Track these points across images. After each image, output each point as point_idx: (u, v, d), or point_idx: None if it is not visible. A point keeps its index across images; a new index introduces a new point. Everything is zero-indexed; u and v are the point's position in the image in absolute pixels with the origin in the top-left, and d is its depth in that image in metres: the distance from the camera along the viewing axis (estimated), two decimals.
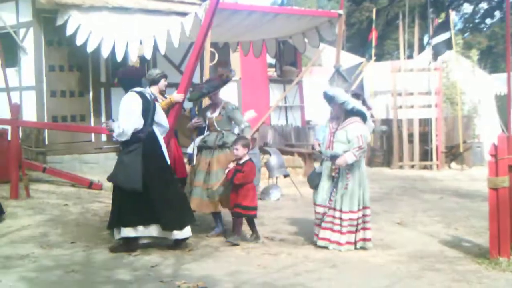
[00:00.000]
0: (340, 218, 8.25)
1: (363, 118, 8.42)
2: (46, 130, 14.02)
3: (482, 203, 11.09)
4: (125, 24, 13.68)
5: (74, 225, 9.43)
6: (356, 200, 8.29)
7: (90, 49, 12.96)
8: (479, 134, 20.70)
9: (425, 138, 19.01)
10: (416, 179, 16.23)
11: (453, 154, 19.05)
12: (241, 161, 8.60)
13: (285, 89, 19.76)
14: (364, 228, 8.43)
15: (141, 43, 12.28)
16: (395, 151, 19.18)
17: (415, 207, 11.87)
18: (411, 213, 11.14)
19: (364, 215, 8.42)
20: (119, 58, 12.46)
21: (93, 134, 14.86)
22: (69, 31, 13.26)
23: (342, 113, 8.48)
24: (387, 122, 19.78)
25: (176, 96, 9.77)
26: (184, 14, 13.44)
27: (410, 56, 22.33)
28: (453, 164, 19.14)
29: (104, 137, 14.95)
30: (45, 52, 14.18)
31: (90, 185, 12.62)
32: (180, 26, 11.52)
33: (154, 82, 10.06)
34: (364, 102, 16.86)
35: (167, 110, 9.93)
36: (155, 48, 12.10)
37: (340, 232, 8.25)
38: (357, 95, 16.96)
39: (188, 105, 11.35)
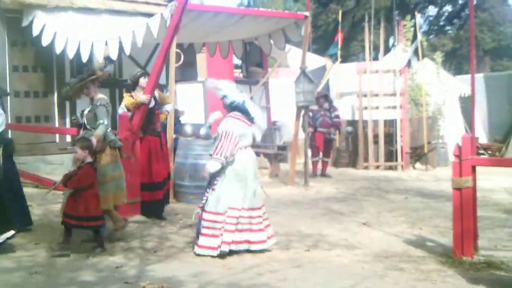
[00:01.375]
0: (204, 219, 7.94)
1: (249, 116, 8.14)
2: (9, 131, 13.86)
3: (446, 203, 11.20)
4: (90, 25, 13.60)
5: (38, 226, 9.33)
6: (226, 202, 7.90)
7: (58, 50, 12.87)
8: (443, 135, 20.88)
9: (390, 139, 19.12)
10: (381, 179, 16.31)
11: (418, 154, 19.17)
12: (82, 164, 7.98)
13: (251, 90, 19.76)
14: (250, 230, 8.02)
15: (106, 44, 12.21)
16: (360, 152, 19.26)
17: (380, 207, 11.93)
18: (376, 214, 11.19)
19: (250, 217, 8.03)
20: (84, 58, 12.39)
21: (57, 135, 14.73)
22: (35, 32, 13.16)
23: (225, 108, 8.28)
24: (352, 123, 19.86)
25: (141, 97, 9.76)
26: (149, 15, 13.40)
27: (375, 58, 22.44)
28: (417, 165, 19.27)
29: (68, 138, 14.83)
30: (9, 52, 14.02)
31: (54, 186, 12.49)
32: (146, 27, 11.50)
33: (135, 83, 10.08)
34: (330, 103, 17.04)
35: (133, 111, 9.96)
36: (121, 49, 12.05)
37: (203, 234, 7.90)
38: (326, 96, 17.12)
39: None
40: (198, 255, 7.79)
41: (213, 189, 8.01)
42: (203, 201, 8.04)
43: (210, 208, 7.90)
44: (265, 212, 8.35)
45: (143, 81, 10.09)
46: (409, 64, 19.10)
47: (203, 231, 7.86)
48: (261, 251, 8.07)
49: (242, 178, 7.99)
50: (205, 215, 7.90)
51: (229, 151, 7.86)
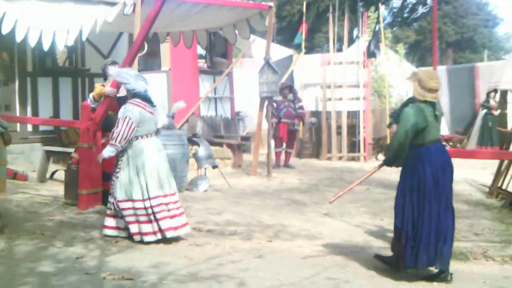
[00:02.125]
0: (118, 207, 8.00)
1: (151, 104, 8.18)
2: None
3: None
4: (52, 13, 13.43)
5: None
6: (133, 190, 7.92)
7: (19, 38, 12.68)
8: None
9: (353, 130, 19.22)
10: (344, 170, 16.38)
11: (380, 146, 19.28)
12: None
13: (215, 80, 19.73)
14: (161, 218, 7.99)
15: (68, 32, 12.09)
16: (323, 143, 19.34)
17: (342, 198, 11.90)
18: (338, 204, 11.18)
19: (157, 205, 8.00)
20: (45, 47, 12.24)
21: (18, 124, 14.57)
22: None
23: (128, 95, 8.28)
24: (316, 114, 19.93)
25: (107, 89, 9.66)
26: (112, 4, 13.26)
27: (339, 49, 22.50)
28: (380, 156, 19.36)
29: (29, 127, 14.70)
30: None
31: (15, 175, 12.38)
32: (107, 15, 11.41)
33: (105, 72, 10.00)
34: (295, 94, 17.07)
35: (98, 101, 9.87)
36: (80, 36, 11.96)
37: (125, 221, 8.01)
38: (290, 87, 17.15)
39: None
40: (109, 236, 8.01)
41: (116, 177, 8.04)
42: (112, 190, 8.12)
43: (119, 197, 7.96)
44: (178, 201, 8.34)
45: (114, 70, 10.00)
46: (372, 54, 19.16)
47: (128, 219, 7.97)
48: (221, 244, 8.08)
49: (144, 166, 7.98)
50: (119, 204, 7.99)
51: (126, 137, 7.86)
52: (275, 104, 16.23)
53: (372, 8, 22.07)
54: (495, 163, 12.45)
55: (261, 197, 11.92)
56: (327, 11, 28.10)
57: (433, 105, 6.87)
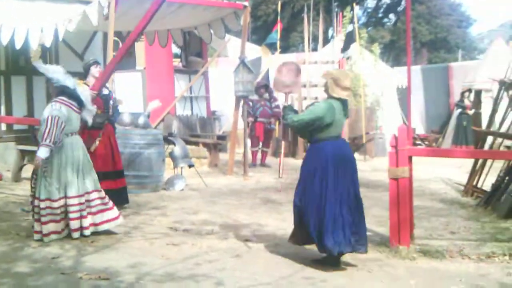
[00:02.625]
0: (39, 207, 7.88)
1: (78, 102, 8.11)
2: None
3: (384, 193, 11.29)
4: (26, 12, 13.32)
5: None
6: (55, 188, 7.86)
7: None
8: (381, 125, 21.09)
9: None
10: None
11: (356, 145, 19.32)
12: None
13: (190, 79, 19.68)
14: (88, 214, 8.03)
15: (42, 30, 11.99)
16: (299, 142, 19.34)
17: None
18: None
19: (87, 201, 8.05)
20: (18, 45, 12.14)
21: None
22: None
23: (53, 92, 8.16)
24: None
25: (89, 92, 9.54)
26: (87, 2, 13.19)
27: (314, 49, 22.51)
28: (356, 155, 19.37)
29: (3, 126, 14.57)
30: None
31: None
32: (82, 14, 11.34)
33: (86, 71, 9.90)
34: (271, 94, 17.06)
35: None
36: (55, 36, 11.86)
37: (39, 221, 7.86)
38: (266, 86, 17.13)
39: None
40: (50, 241, 7.78)
41: (44, 176, 7.90)
42: (33, 189, 8.03)
43: (44, 195, 7.85)
44: (105, 197, 8.30)
45: (94, 70, 9.89)
46: (345, 53, 19.22)
47: (43, 219, 7.83)
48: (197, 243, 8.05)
49: (70, 164, 7.97)
50: (41, 203, 7.85)
51: (57, 136, 7.78)
52: (251, 103, 16.22)
53: (348, 8, 22.08)
54: (470, 162, 12.54)
55: (238, 196, 11.90)
56: (302, 11, 28.13)
57: (345, 102, 7.30)
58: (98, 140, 9.77)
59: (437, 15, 43.86)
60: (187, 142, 14.76)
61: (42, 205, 7.83)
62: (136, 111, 13.33)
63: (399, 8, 45.92)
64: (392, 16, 47.72)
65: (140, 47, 17.98)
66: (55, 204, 7.85)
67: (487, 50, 24.34)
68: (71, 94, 8.02)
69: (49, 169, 7.89)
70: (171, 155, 12.90)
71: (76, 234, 7.91)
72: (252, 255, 7.58)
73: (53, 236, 7.83)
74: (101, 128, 9.86)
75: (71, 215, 7.89)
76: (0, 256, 7.09)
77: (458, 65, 26.39)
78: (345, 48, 19.26)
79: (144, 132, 12.05)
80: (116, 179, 10.01)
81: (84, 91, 8.43)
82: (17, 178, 12.37)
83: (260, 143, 16.96)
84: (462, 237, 8.71)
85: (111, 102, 10.22)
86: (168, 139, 13.34)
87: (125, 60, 17.17)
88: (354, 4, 22.10)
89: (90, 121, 8.44)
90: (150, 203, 10.84)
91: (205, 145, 16.27)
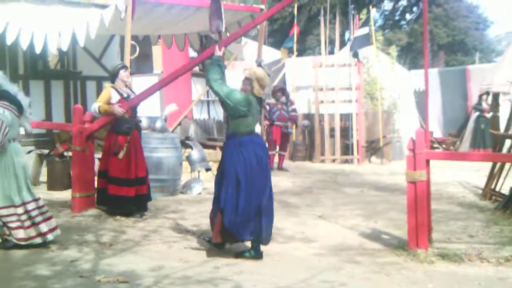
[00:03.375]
0: None
1: (19, 108, 7.84)
2: None
3: (401, 197, 11.26)
4: (43, 16, 13.40)
5: None
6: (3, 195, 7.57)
7: (9, 41, 12.64)
8: (398, 129, 21.06)
9: (346, 132, 19.23)
10: (337, 173, 16.39)
11: (373, 148, 19.31)
12: None
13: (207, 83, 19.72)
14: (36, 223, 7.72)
15: (60, 35, 12.06)
16: (316, 146, 19.35)
17: (336, 200, 11.99)
18: (332, 207, 11.24)
19: (26, 211, 7.68)
20: (37, 50, 12.21)
21: None
22: None
23: None
24: (309, 116, 19.93)
25: (116, 109, 9.54)
26: (104, 6, 13.25)
27: (331, 52, 22.56)
28: (373, 158, 19.41)
29: (21, 131, 14.61)
30: None
31: None
32: (100, 18, 11.40)
33: (114, 75, 9.88)
34: (287, 97, 17.06)
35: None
36: (75, 41, 11.91)
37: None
38: (282, 90, 17.14)
39: None
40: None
41: None
42: None
43: None
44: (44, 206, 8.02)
45: (123, 74, 9.86)
46: (355, 54, 19.17)
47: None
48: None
49: (12, 172, 7.70)
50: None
51: (1, 141, 7.57)
52: (268, 107, 16.23)
53: (364, 11, 22.03)
54: (488, 165, 12.48)
55: None
56: (319, 14, 28.13)
57: (259, 100, 7.79)
58: (126, 146, 9.71)
59: (454, 18, 43.71)
60: (204, 146, 14.79)
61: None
62: (153, 115, 13.37)
63: (416, 11, 45.76)
64: (408, 17, 47.55)
65: (157, 51, 18.05)
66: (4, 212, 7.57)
67: (504, 52, 24.18)
68: (12, 99, 7.80)
69: None
70: (189, 159, 12.92)
71: (21, 243, 7.61)
72: (270, 258, 7.58)
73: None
74: (128, 134, 9.76)
75: (12, 225, 7.57)
76: (20, 259, 7.14)
77: (476, 67, 26.28)
78: (354, 48, 19.17)
79: (162, 136, 12.08)
80: (138, 185, 9.90)
81: (24, 99, 8.13)
82: (35, 181, 12.42)
83: (277, 147, 16.95)
84: (481, 241, 8.67)
85: (137, 107, 10.20)
86: (185, 143, 13.37)
87: (143, 63, 17.29)
88: (371, 7, 22.07)
89: (29, 128, 8.26)
90: (168, 206, 10.86)
91: (222, 148, 16.26)
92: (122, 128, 9.64)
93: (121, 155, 9.59)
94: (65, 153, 12.30)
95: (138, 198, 9.83)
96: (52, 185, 12.04)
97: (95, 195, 10.03)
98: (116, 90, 9.78)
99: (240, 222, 7.36)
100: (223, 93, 7.57)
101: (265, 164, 7.63)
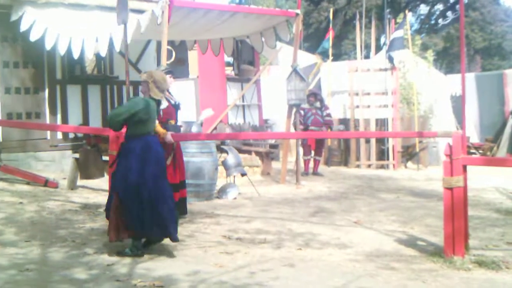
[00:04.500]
0: None
1: None
2: (0, 127, 13.81)
3: (438, 203, 11.21)
4: (81, 21, 13.54)
5: (29, 223, 9.29)
6: None
7: (48, 46, 12.80)
8: None
9: (381, 138, 19.14)
10: (373, 178, 16.33)
11: (409, 153, 19.22)
12: None
13: (242, 87, 19.77)
14: None
15: (97, 40, 12.17)
16: (352, 151, 19.29)
17: (371, 206, 11.94)
18: (368, 212, 11.20)
19: None
20: (75, 55, 12.34)
21: (48, 132, 14.67)
22: (23, 27, 13.06)
23: None
24: (344, 121, 19.90)
25: (169, 137, 9.53)
26: (140, 11, 13.36)
27: (367, 56, 22.45)
28: (409, 164, 19.31)
29: (59, 135, 14.80)
30: None
31: (46, 183, 12.46)
32: (137, 24, 11.49)
33: None
34: (322, 102, 17.04)
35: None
36: (111, 45, 12.01)
37: None
38: (315, 94, 17.12)
39: None
40: None
41: None
42: None
43: None
44: None
45: (168, 80, 9.90)
46: (390, 58, 19.06)
47: None
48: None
49: None
50: None
51: None
52: (302, 112, 16.21)
53: (401, 15, 21.95)
54: None
55: (290, 205, 11.90)
56: (354, 18, 28.10)
57: (159, 102, 8.01)
58: (173, 152, 9.75)
59: (491, 22, 43.36)
60: (240, 151, 14.81)
61: None
62: (189, 120, 13.43)
63: (453, 15, 45.45)
64: (443, 22, 47.21)
65: (193, 56, 18.14)
66: None
67: None
68: None
69: None
70: (224, 163, 12.96)
71: None
72: (305, 264, 7.56)
73: None
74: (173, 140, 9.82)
75: None
76: (57, 263, 7.21)
77: None
78: (389, 51, 19.06)
79: (198, 141, 12.12)
80: (181, 190, 9.92)
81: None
82: (72, 186, 12.54)
83: (312, 152, 16.93)
84: None
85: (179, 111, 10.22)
86: (221, 148, 13.41)
87: (178, 68, 17.39)
88: (407, 11, 21.96)
89: None
90: (204, 211, 10.90)
91: (258, 153, 16.30)
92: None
93: (168, 161, 9.62)
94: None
95: (180, 202, 9.87)
96: (85, 174, 12.14)
97: None
98: (165, 97, 9.80)
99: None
100: (131, 114, 7.65)
101: (161, 163, 7.89)
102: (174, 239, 7.75)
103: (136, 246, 7.62)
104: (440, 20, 47.17)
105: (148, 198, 7.54)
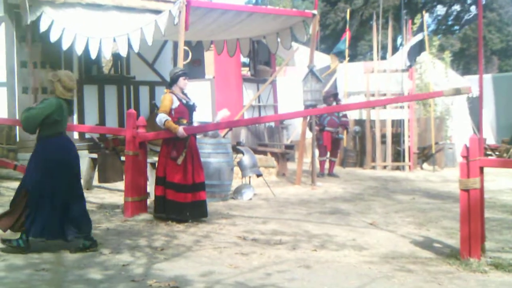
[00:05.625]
0: None
1: None
2: (17, 127, 13.88)
3: (454, 204, 11.17)
4: (98, 21, 13.59)
5: None
6: None
7: (65, 46, 12.84)
8: (451, 135, 20.86)
9: (397, 139, 19.11)
10: (388, 179, 16.29)
11: (425, 155, 19.14)
12: None
13: (258, 88, 19.77)
14: None
15: (114, 40, 12.20)
16: (367, 152, 19.25)
17: (387, 207, 11.91)
18: (383, 214, 11.17)
19: None
20: (93, 55, 12.38)
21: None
22: (42, 28, 13.13)
23: None
24: (360, 122, 19.86)
25: (181, 131, 9.54)
26: (158, 12, 13.40)
27: (383, 57, 22.43)
28: (425, 165, 19.25)
29: (76, 135, 14.85)
30: (17, 48, 14.03)
31: None
32: (154, 24, 11.50)
33: (173, 81, 9.89)
34: (338, 103, 17.02)
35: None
36: (129, 46, 12.04)
37: None
38: (335, 95, 17.10)
39: None
40: None
41: None
42: None
43: None
44: None
45: (182, 81, 9.86)
46: (412, 59, 19.01)
47: None
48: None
49: None
50: None
51: None
52: None
53: (418, 16, 21.89)
54: None
55: (306, 206, 11.89)
56: (371, 19, 28.02)
57: (70, 102, 7.96)
58: (185, 152, 9.77)
59: (508, 23, 43.13)
60: (255, 151, 14.80)
61: None
62: (205, 120, 13.44)
63: (469, 16, 45.26)
64: (464, 18, 47.02)
65: (209, 56, 18.16)
66: None
67: None
68: None
69: None
70: (240, 164, 12.96)
71: None
72: (321, 265, 7.55)
73: None
74: (186, 140, 9.78)
75: None
76: (73, 263, 7.23)
77: None
78: (412, 57, 19.01)
79: (213, 141, 12.13)
80: (196, 192, 9.90)
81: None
82: (88, 186, 12.58)
83: (328, 153, 16.89)
84: None
85: (194, 112, 10.22)
86: (236, 148, 13.41)
87: (195, 69, 17.43)
88: (424, 12, 21.90)
89: None
90: (219, 212, 10.91)
91: (273, 154, 16.29)
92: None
93: (180, 160, 9.63)
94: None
95: (196, 204, 9.86)
96: (103, 177, 12.18)
97: (155, 202, 10.03)
98: (176, 96, 9.82)
99: None
100: (43, 115, 7.68)
101: (72, 163, 7.95)
102: (68, 240, 7.78)
103: (24, 241, 7.61)
104: (463, 17, 46.89)
105: (55, 198, 7.63)
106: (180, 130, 9.47)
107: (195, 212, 9.84)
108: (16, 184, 12.22)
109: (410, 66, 19.10)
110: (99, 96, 15.49)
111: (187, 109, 9.89)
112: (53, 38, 12.88)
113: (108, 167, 12.19)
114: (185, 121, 9.78)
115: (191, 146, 9.85)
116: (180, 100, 9.80)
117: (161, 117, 9.66)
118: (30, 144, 13.77)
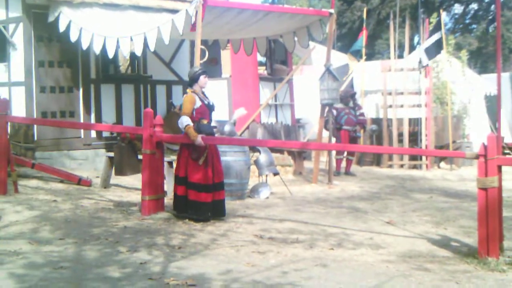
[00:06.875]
0: None
1: None
2: (35, 126, 13.97)
3: (471, 203, 11.13)
4: (116, 21, 13.65)
5: (63, 221, 9.37)
6: None
7: (84, 46, 12.92)
8: (468, 134, 20.77)
9: (414, 137, 19.06)
10: (406, 178, 16.25)
11: None
12: None
13: (275, 87, 19.75)
14: None
15: (131, 39, 12.25)
16: None
17: (404, 206, 11.87)
18: (401, 213, 11.14)
19: None
20: (110, 54, 12.43)
21: (82, 131, 14.81)
22: (61, 28, 13.22)
23: None
24: (377, 121, 19.80)
25: (199, 140, 9.51)
26: (174, 11, 13.45)
27: (400, 56, 22.32)
28: (442, 164, 19.18)
29: (93, 134, 14.92)
30: (35, 47, 14.10)
31: (79, 181, 12.57)
32: (171, 23, 11.53)
33: (193, 80, 9.87)
34: (355, 101, 17.00)
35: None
36: (145, 45, 12.08)
37: None
38: (353, 95, 17.08)
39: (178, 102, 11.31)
40: None
41: None
42: None
43: None
44: None
45: (203, 80, 9.83)
46: (430, 58, 18.92)
47: None
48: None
49: None
50: None
51: None
52: (335, 112, 16.14)
53: (435, 15, 21.81)
54: None
55: (323, 204, 11.88)
56: (388, 18, 27.95)
57: None
58: (206, 152, 9.76)
59: None
60: (272, 150, 14.80)
61: None
62: (222, 119, 13.46)
63: (487, 15, 45.00)
64: (479, 20, 46.76)
65: (226, 55, 18.18)
66: None
67: None
68: None
69: None
70: (256, 163, 12.96)
71: None
72: (338, 264, 7.54)
73: None
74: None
75: None
76: (91, 261, 7.26)
77: None
78: (430, 57, 18.91)
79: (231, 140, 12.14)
80: (216, 191, 9.92)
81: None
82: (106, 184, 12.63)
83: (345, 151, 16.87)
84: None
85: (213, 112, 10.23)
86: (253, 147, 13.42)
87: (211, 68, 17.46)
88: (441, 10, 21.81)
89: None
90: (236, 210, 10.92)
91: (290, 153, 16.28)
92: (202, 134, 9.65)
93: (201, 161, 9.65)
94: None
95: (216, 203, 9.88)
96: (119, 170, 12.22)
97: (175, 202, 10.05)
98: (198, 96, 9.81)
99: None
100: None
101: None
102: None
103: None
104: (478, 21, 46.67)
105: None
106: (199, 139, 9.45)
107: (214, 211, 9.87)
108: (33, 182, 12.38)
109: (423, 66, 18.99)
110: (116, 95, 15.55)
111: (208, 109, 9.91)
112: (73, 38, 12.96)
113: (125, 160, 12.24)
114: (205, 121, 9.79)
115: (211, 146, 9.87)
116: (202, 100, 9.80)
117: (183, 121, 9.60)
118: (47, 143, 13.89)
